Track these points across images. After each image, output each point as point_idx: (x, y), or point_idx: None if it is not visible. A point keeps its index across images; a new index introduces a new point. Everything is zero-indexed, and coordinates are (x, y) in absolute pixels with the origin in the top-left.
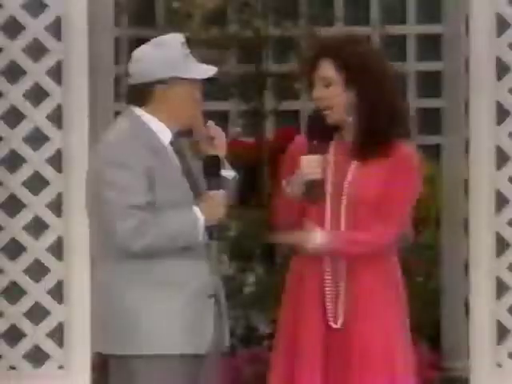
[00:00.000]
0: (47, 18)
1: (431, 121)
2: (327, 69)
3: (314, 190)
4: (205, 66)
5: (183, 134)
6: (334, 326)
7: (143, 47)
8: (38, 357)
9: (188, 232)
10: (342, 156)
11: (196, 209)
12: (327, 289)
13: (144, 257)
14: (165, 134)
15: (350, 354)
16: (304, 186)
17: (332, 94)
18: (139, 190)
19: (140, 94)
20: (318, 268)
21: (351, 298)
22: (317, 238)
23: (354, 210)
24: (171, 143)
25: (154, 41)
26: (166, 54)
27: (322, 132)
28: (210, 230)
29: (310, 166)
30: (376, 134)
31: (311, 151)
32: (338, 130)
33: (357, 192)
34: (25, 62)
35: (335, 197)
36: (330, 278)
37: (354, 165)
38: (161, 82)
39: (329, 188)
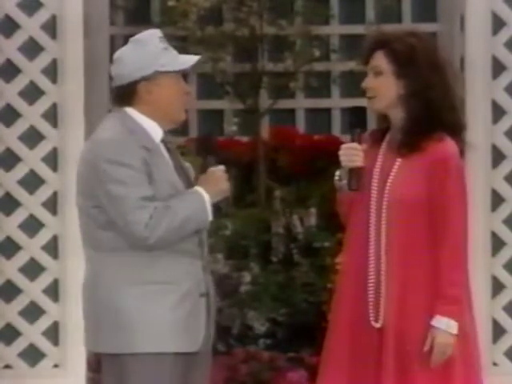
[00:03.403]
0: (42, 16)
1: None
2: (378, 59)
3: (353, 178)
4: (186, 57)
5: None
6: (376, 325)
7: (123, 48)
8: (33, 355)
9: (198, 214)
10: (390, 153)
11: (200, 189)
12: (370, 287)
13: (158, 248)
14: (156, 132)
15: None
16: (347, 175)
17: (380, 83)
18: (144, 183)
19: (126, 94)
20: (362, 268)
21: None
22: (449, 332)
23: (394, 208)
24: (162, 141)
25: (131, 40)
26: (145, 51)
27: (364, 123)
28: (218, 207)
29: (348, 153)
30: (418, 125)
31: (352, 140)
32: (389, 128)
33: (396, 191)
34: (20, 60)
35: (379, 195)
36: (372, 277)
37: (398, 163)
38: (144, 78)
39: (375, 185)
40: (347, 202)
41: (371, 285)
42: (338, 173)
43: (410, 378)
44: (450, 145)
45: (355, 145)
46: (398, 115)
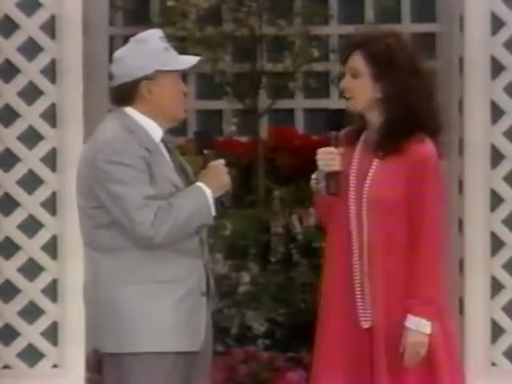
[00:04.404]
0: (42, 16)
1: None
2: (356, 60)
3: (331, 182)
4: (186, 57)
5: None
6: (365, 325)
7: (123, 48)
8: (32, 356)
9: (201, 209)
10: (367, 154)
11: (201, 184)
12: (357, 288)
13: (164, 247)
14: (156, 132)
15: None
16: (324, 179)
17: (357, 84)
18: (146, 183)
19: (127, 94)
20: (347, 270)
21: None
22: (420, 331)
23: (374, 208)
24: (162, 141)
25: (133, 39)
26: (147, 50)
27: (340, 124)
28: (221, 201)
29: (325, 158)
30: (396, 128)
31: (329, 143)
32: (365, 127)
33: (375, 192)
34: (19, 60)
35: (358, 195)
36: (358, 278)
37: (375, 163)
38: (146, 77)
39: (352, 186)
40: (325, 204)
41: (358, 286)
42: (314, 176)
43: (403, 378)
44: (429, 146)
45: (332, 149)
46: (375, 117)
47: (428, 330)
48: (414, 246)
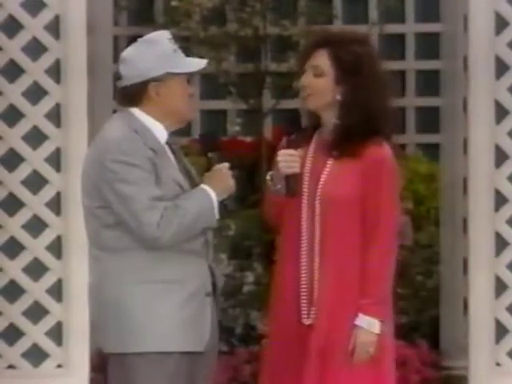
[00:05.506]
0: (46, 16)
1: (430, 120)
2: (322, 59)
3: (291, 184)
4: (195, 60)
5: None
6: (307, 322)
7: (132, 48)
8: (36, 355)
9: (206, 211)
10: (321, 154)
11: (206, 187)
12: (303, 286)
13: (169, 247)
14: (161, 134)
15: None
16: (283, 181)
17: (320, 84)
18: (153, 183)
19: (135, 95)
20: (295, 266)
21: (323, 294)
22: (371, 331)
23: (327, 208)
24: (167, 142)
25: (141, 40)
26: (156, 51)
27: (300, 127)
28: (224, 204)
29: (286, 160)
30: (353, 132)
31: (289, 146)
32: (319, 127)
33: (329, 191)
34: (24, 60)
35: (311, 194)
36: (305, 275)
37: (329, 163)
38: (155, 79)
39: (305, 185)
40: (278, 203)
41: (304, 284)
42: (269, 177)
43: (334, 377)
44: (386, 149)
45: (292, 151)
46: (331, 118)
47: (378, 330)
48: (367, 245)
